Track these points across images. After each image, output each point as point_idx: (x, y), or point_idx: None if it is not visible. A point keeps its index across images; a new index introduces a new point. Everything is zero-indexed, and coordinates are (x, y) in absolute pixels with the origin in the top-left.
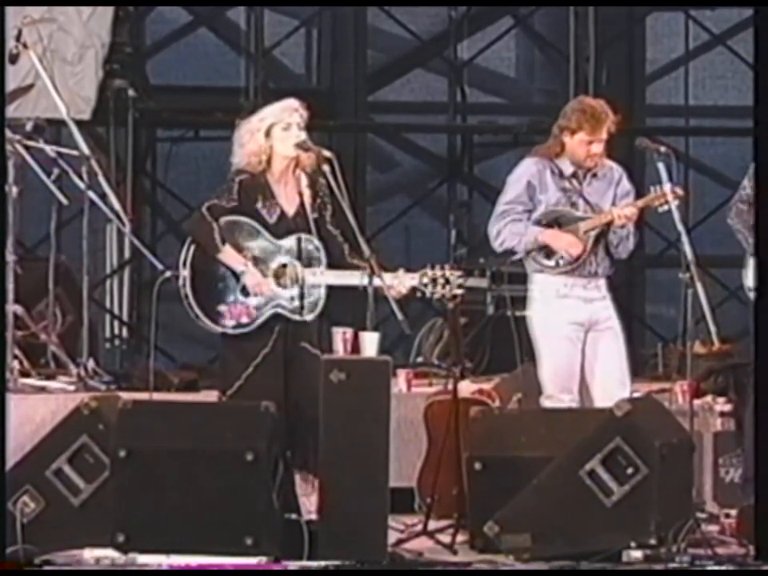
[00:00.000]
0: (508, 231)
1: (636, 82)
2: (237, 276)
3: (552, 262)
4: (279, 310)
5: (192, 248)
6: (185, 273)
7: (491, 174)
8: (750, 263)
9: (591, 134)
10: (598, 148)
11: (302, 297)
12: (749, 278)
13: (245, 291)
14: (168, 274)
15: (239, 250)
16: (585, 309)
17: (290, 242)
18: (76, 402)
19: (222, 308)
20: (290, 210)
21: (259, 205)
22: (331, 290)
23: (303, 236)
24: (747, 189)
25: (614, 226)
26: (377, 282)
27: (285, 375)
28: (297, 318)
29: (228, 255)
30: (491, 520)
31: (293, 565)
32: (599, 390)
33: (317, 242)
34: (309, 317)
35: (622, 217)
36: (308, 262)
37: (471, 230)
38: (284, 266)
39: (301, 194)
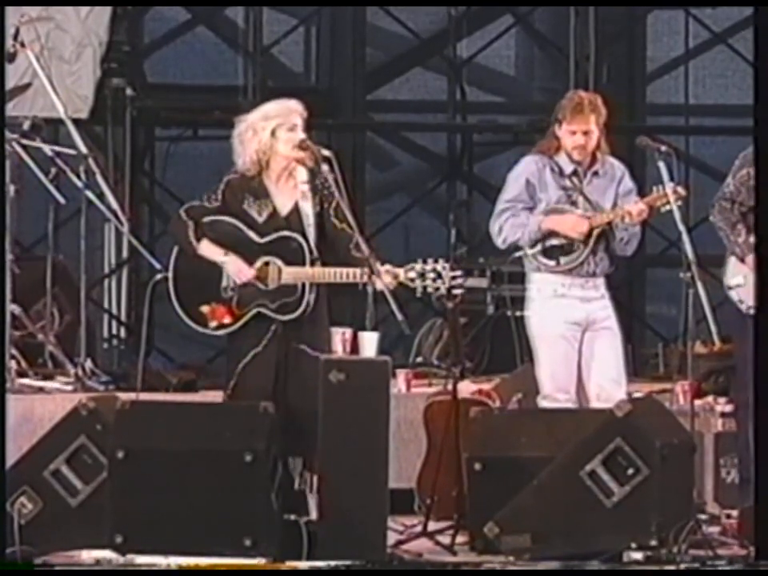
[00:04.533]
0: (509, 225)
1: (636, 81)
2: (219, 276)
3: (553, 261)
4: (262, 310)
5: (175, 250)
6: (168, 274)
7: (491, 173)
8: (730, 261)
9: (572, 123)
10: (581, 140)
11: (284, 295)
12: (728, 277)
13: (228, 289)
14: (160, 276)
15: (218, 244)
16: (582, 308)
17: (272, 240)
18: (74, 402)
19: (205, 309)
20: (284, 208)
21: (246, 205)
22: (331, 288)
23: (286, 234)
24: (731, 186)
25: (625, 223)
26: (361, 276)
27: (279, 376)
28: (280, 317)
29: (206, 249)
30: (491, 521)
31: (292, 565)
32: (595, 389)
33: (301, 240)
34: (292, 315)
35: (635, 214)
36: (290, 259)
37: (471, 229)
38: (266, 264)
39: (297, 190)
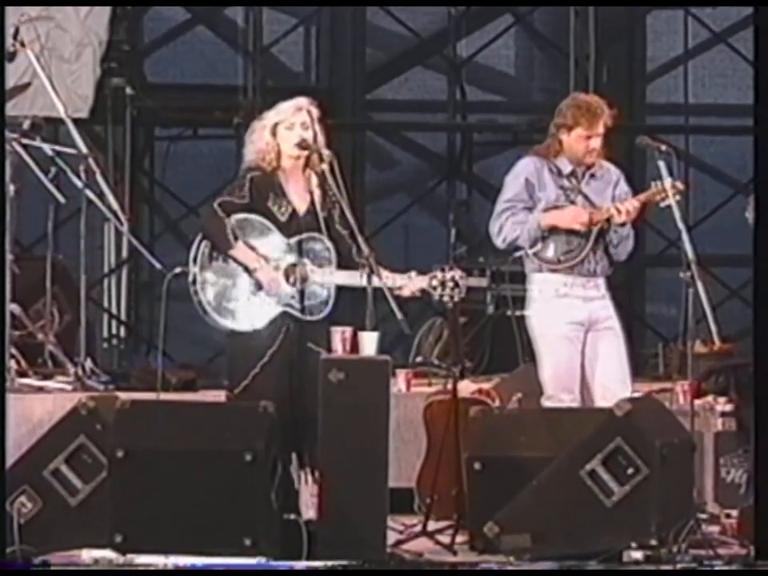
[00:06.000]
0: (509, 224)
1: (636, 80)
2: (247, 273)
3: (553, 257)
4: (288, 309)
5: (202, 245)
6: (195, 270)
7: (491, 173)
8: None
9: (588, 128)
10: (596, 143)
11: (311, 297)
12: None
13: (257, 288)
14: (178, 270)
15: (250, 247)
16: (584, 308)
17: (300, 240)
18: (73, 401)
19: (232, 305)
20: (301, 208)
21: (270, 203)
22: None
23: (314, 235)
24: None
25: (615, 222)
26: (385, 283)
27: (293, 375)
28: (305, 317)
29: (241, 252)
30: (491, 520)
31: (292, 565)
32: (600, 389)
33: (327, 242)
34: (317, 317)
35: (623, 211)
36: (318, 261)
37: (471, 229)
38: (294, 265)
39: (311, 193)
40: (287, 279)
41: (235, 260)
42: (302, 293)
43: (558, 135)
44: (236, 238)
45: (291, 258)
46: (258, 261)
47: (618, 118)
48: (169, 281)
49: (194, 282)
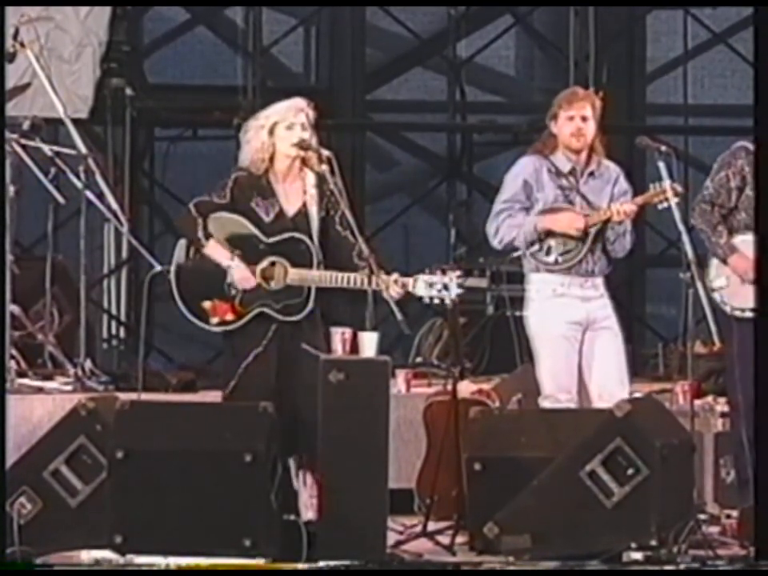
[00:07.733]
0: (506, 226)
1: (636, 81)
2: (224, 273)
3: (551, 259)
4: (266, 309)
5: (179, 243)
6: (171, 268)
7: (491, 173)
8: (713, 263)
9: (569, 107)
10: (581, 123)
11: (289, 296)
12: (711, 279)
13: (232, 286)
14: (158, 268)
15: (227, 246)
16: (582, 308)
17: (278, 241)
18: (73, 402)
19: (207, 304)
20: (291, 209)
21: (254, 203)
22: (330, 290)
23: (294, 235)
24: (710, 188)
25: (611, 222)
26: (367, 282)
27: (281, 375)
28: (283, 318)
29: (213, 249)
30: (491, 521)
31: (291, 566)
32: (597, 389)
33: (309, 242)
34: (296, 317)
35: (620, 213)
36: (297, 261)
37: (471, 230)
38: (272, 264)
39: (305, 193)
40: (266, 279)
41: (209, 258)
42: (279, 292)
43: (550, 128)
44: (208, 237)
45: (270, 258)
46: (232, 258)
47: (615, 117)
48: (151, 280)
49: (175, 281)
